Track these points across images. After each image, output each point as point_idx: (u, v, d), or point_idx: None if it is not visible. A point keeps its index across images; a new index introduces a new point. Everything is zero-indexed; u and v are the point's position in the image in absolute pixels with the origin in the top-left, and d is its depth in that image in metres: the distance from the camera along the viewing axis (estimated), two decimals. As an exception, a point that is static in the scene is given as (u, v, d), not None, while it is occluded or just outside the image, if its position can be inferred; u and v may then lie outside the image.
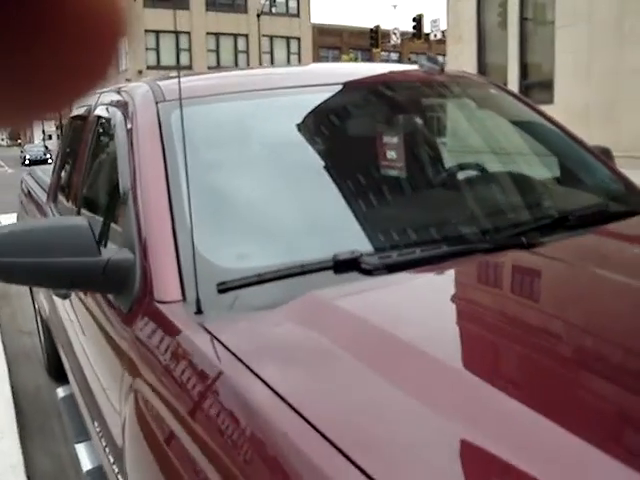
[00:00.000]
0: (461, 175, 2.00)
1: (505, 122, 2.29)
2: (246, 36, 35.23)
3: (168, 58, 32.84)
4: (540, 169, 2.13)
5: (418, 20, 26.95)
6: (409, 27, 28.02)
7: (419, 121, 2.17)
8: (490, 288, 1.52)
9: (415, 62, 2.49)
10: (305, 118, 1.96)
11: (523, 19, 11.51)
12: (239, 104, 1.89)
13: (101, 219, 1.92)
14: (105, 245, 1.77)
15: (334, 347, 1.10)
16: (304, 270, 1.41)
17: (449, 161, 2.16)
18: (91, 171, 2.27)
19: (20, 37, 0.25)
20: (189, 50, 33.34)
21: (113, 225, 1.81)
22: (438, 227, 1.64)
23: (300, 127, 1.94)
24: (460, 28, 13.00)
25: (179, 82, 1.58)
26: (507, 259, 1.55)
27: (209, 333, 1.22)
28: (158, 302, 1.39)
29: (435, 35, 26.72)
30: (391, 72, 2.35)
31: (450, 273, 1.52)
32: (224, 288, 1.36)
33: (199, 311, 1.30)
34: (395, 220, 1.69)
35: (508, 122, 2.29)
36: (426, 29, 27.33)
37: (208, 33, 34.14)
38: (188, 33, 33.47)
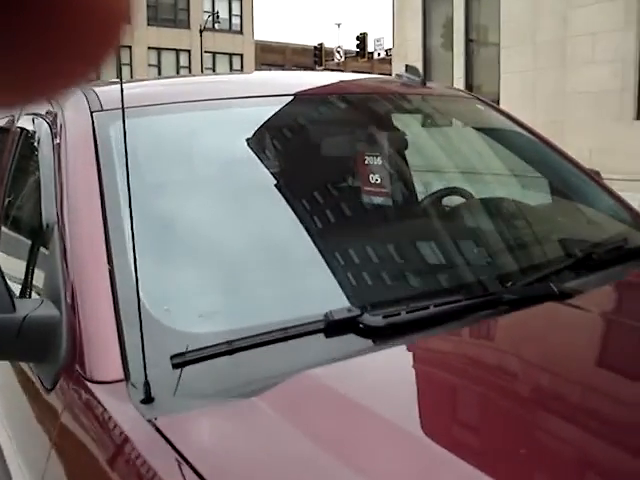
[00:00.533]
0: (461, 205, 1.78)
1: (495, 143, 2.07)
2: (188, 51, 34.85)
3: (108, 72, 32.00)
4: (538, 195, 1.93)
5: (362, 39, 27.08)
6: (353, 46, 28.15)
7: (402, 139, 1.91)
8: (537, 362, 1.21)
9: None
10: (270, 134, 1.69)
11: (468, 40, 11.57)
12: (192, 116, 1.59)
13: (22, 261, 1.53)
14: (29, 295, 1.41)
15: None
16: (288, 335, 1.11)
17: (437, 186, 1.94)
18: (10, 199, 1.83)
19: (23, 17, 0.25)
20: (130, 64, 32.71)
21: (37, 270, 1.44)
22: (449, 273, 1.42)
23: (265, 145, 1.67)
24: (406, 47, 13.02)
25: (121, 87, 1.17)
26: (544, 316, 1.30)
27: (162, 436, 0.90)
28: (91, 381, 1.05)
29: (379, 54, 26.89)
30: (368, 83, 2.11)
31: (481, 338, 1.29)
32: (182, 362, 1.03)
33: (148, 399, 0.97)
34: (395, 264, 1.46)
35: (498, 143, 2.06)
36: (370, 48, 27.50)
37: (150, 48, 33.60)
38: (129, 47, 32.88)
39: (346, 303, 1.23)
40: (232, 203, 1.49)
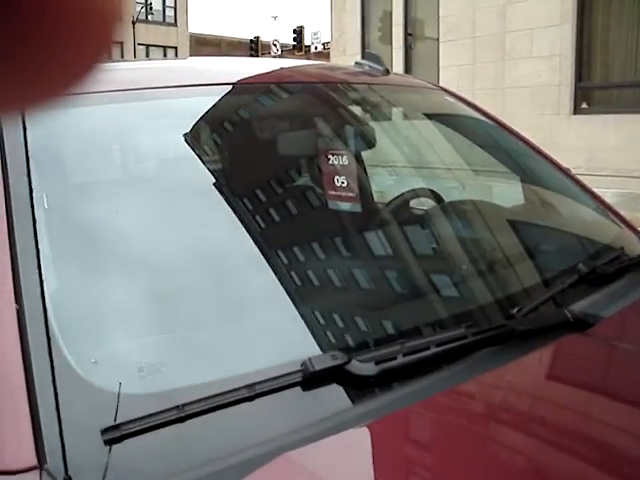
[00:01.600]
0: (434, 211, 1.61)
1: (463, 137, 1.90)
2: (121, 44, 33.98)
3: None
4: (510, 193, 1.79)
5: (299, 32, 26.92)
6: (290, 39, 27.95)
7: (370, 136, 1.69)
8: (580, 418, 1.02)
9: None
10: (216, 128, 1.47)
11: (407, 34, 11.54)
12: (119, 108, 1.31)
13: None
14: None
15: None
16: (257, 393, 0.88)
17: (405, 186, 1.74)
18: None
19: (15, 18, 0.25)
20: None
21: None
22: (443, 300, 1.25)
23: (215, 142, 1.45)
24: (344, 41, 12.93)
25: None
26: (570, 354, 1.14)
27: None
28: None
29: (316, 47, 26.78)
30: (325, 71, 1.87)
31: (500, 388, 1.09)
32: (117, 436, 0.77)
33: None
34: (379, 292, 1.25)
35: (467, 137, 1.90)
36: (307, 41, 27.36)
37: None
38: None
39: (324, 346, 1.03)
40: (177, 216, 1.25)
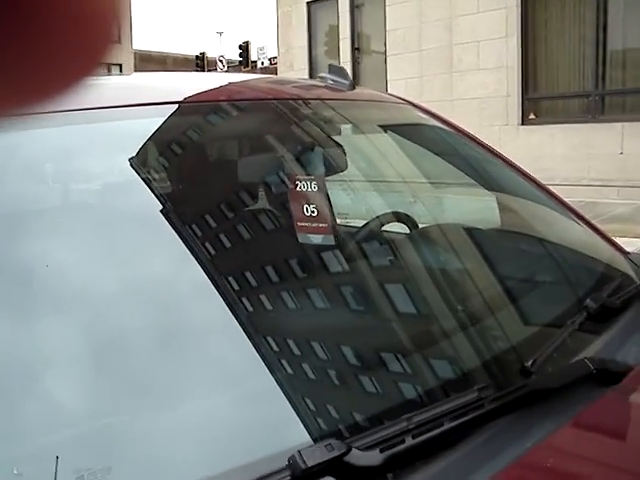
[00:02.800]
0: (408, 240, 1.48)
1: (433, 154, 1.78)
2: (63, 61, 33.45)
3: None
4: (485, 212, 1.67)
5: (245, 47, 26.83)
6: (235, 55, 27.82)
7: (341, 158, 1.52)
8: None
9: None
10: (160, 154, 1.32)
11: (355, 48, 11.57)
12: (56, 132, 1.13)
13: None
14: None
15: None
16: None
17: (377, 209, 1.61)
18: None
19: (11, 16, 0.24)
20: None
21: None
22: (443, 358, 1.10)
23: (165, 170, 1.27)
24: (291, 55, 12.90)
25: None
26: (607, 417, 1.02)
27: None
28: None
29: (262, 62, 26.71)
30: (290, 87, 1.71)
31: (538, 464, 0.92)
32: None
33: None
34: (370, 352, 1.09)
35: (437, 154, 1.78)
36: (253, 56, 27.25)
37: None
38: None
39: (312, 430, 0.86)
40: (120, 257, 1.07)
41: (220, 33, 40.03)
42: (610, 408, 1.06)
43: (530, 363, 1.03)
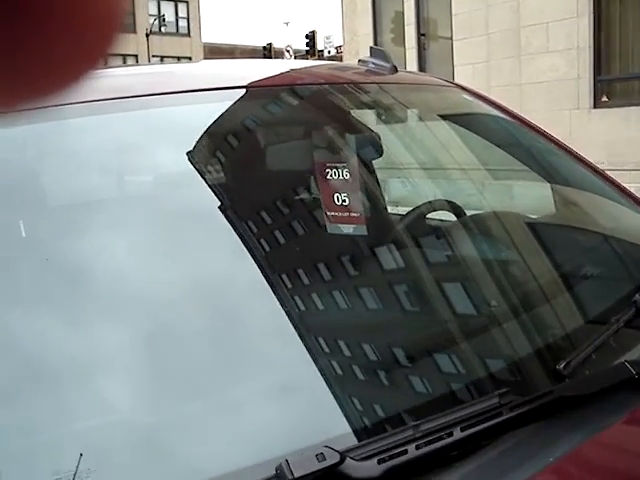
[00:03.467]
0: (453, 229, 1.42)
1: (489, 144, 1.67)
2: (135, 56, 34.17)
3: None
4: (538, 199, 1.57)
5: (311, 37, 26.82)
6: (302, 44, 27.86)
7: (376, 144, 1.46)
8: None
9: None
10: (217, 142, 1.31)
11: (420, 34, 11.40)
12: (115, 118, 1.14)
13: None
14: None
15: None
16: None
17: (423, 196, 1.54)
18: None
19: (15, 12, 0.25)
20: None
21: None
22: (469, 358, 1.01)
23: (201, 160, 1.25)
24: (356, 43, 12.82)
25: None
26: None
27: None
28: None
29: (329, 51, 26.68)
30: (332, 71, 1.67)
31: None
32: None
33: None
34: (378, 347, 1.01)
35: (492, 143, 1.67)
36: (319, 46, 27.26)
37: (95, 54, 32.81)
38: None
39: (304, 436, 0.79)
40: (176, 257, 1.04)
41: (287, 23, 40.19)
42: None
43: (563, 365, 0.94)
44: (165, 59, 35.33)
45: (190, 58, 36.64)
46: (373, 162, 1.50)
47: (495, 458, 0.81)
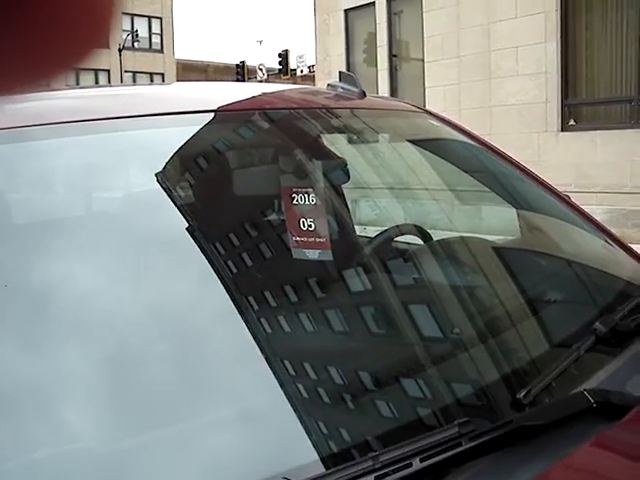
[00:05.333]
0: (419, 254, 1.42)
1: (455, 169, 1.69)
2: (108, 71, 34.04)
3: (23, 94, 31.01)
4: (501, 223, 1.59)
5: (284, 56, 26.96)
6: (275, 63, 27.96)
7: (342, 169, 1.47)
8: None
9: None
10: (173, 167, 1.28)
11: (392, 55, 11.52)
12: (84, 141, 1.13)
13: None
14: None
15: None
16: None
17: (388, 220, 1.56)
18: None
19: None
20: (47, 84, 31.60)
21: None
22: (428, 385, 1.01)
23: (170, 184, 1.23)
24: (329, 63, 12.91)
25: None
26: (601, 459, 0.93)
27: None
28: None
29: (302, 70, 26.83)
30: (301, 95, 1.67)
31: None
32: None
33: None
34: (357, 374, 1.03)
35: (459, 169, 1.69)
36: (292, 65, 27.38)
37: (66, 68, 32.61)
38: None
39: (265, 467, 0.79)
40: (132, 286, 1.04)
41: (260, 42, 40.44)
42: (608, 447, 0.96)
43: (523, 394, 0.95)
44: (138, 75, 35.23)
45: (163, 74, 36.63)
46: (342, 186, 1.51)
47: None
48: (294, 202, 1.17)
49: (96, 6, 0.28)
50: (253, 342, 0.98)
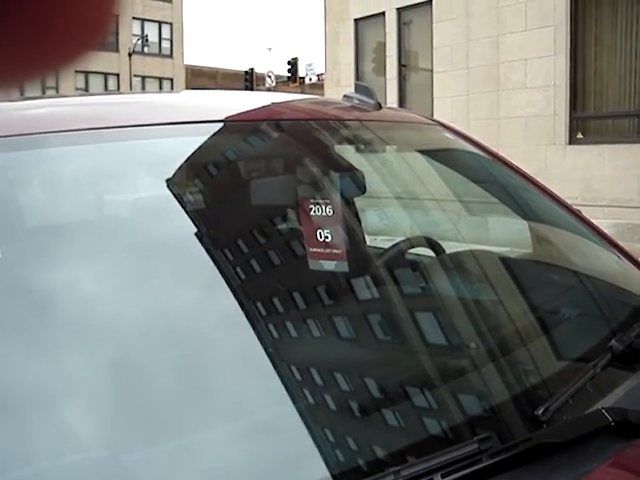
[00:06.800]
0: (431, 266, 1.43)
1: (470, 182, 1.70)
2: (117, 75, 34.18)
3: (33, 92, 31.05)
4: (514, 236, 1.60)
5: (293, 63, 27.03)
6: (284, 71, 28.06)
7: (360, 182, 1.48)
8: None
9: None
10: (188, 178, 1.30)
11: (401, 65, 11.55)
12: (94, 149, 1.14)
13: None
14: None
15: None
16: None
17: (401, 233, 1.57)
18: None
19: None
20: (56, 88, 31.72)
21: None
22: (448, 402, 1.02)
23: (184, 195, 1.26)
24: (338, 72, 12.94)
25: None
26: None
27: None
28: None
29: (310, 79, 26.89)
30: (315, 107, 1.68)
31: None
32: None
33: None
34: (360, 390, 1.02)
35: (473, 182, 1.70)
36: (301, 73, 27.45)
37: (77, 71, 32.72)
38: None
39: (318, 471, 0.81)
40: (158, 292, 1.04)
41: (269, 49, 40.57)
42: (628, 466, 0.97)
43: (541, 411, 0.95)
44: (147, 79, 35.35)
45: (172, 79, 36.77)
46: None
47: None
48: (311, 213, 1.19)
49: (94, 7, 0.28)
50: (265, 352, 0.98)
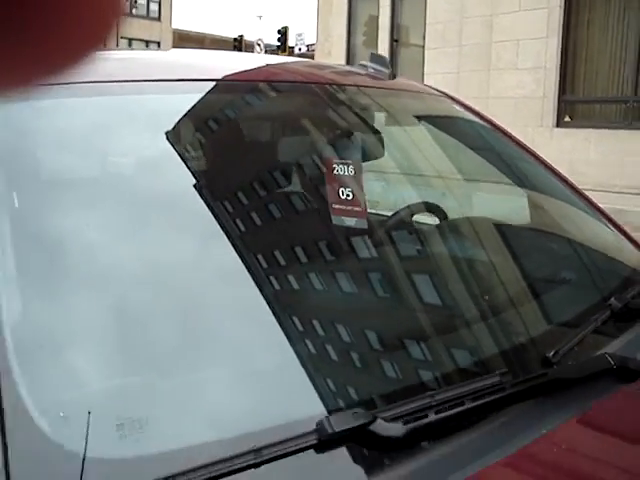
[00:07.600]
0: (437, 230, 1.52)
1: (465, 147, 1.80)
2: (103, 36, 33.73)
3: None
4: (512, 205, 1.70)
5: (283, 33, 26.78)
6: (274, 39, 27.80)
7: (379, 144, 1.58)
8: None
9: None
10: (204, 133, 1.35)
11: (393, 40, 11.53)
12: (93, 102, 1.16)
13: None
14: None
15: None
16: (264, 459, 0.75)
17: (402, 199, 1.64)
18: None
19: None
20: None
21: None
22: (466, 341, 1.16)
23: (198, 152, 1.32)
24: (330, 44, 12.89)
25: None
26: (622, 411, 1.07)
27: None
28: None
29: (300, 49, 26.70)
30: (329, 72, 1.74)
31: (552, 449, 0.94)
32: None
33: None
34: (397, 330, 1.15)
35: (470, 147, 1.80)
36: (291, 42, 27.25)
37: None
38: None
39: (338, 399, 0.92)
40: (163, 229, 1.10)
41: (260, 17, 40.05)
42: (624, 404, 1.09)
43: (552, 354, 1.07)
44: (134, 41, 34.86)
45: (159, 43, 36.30)
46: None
47: (497, 428, 0.95)
48: (334, 172, 1.26)
49: (102, 5, 0.27)
50: (268, 299, 1.07)
